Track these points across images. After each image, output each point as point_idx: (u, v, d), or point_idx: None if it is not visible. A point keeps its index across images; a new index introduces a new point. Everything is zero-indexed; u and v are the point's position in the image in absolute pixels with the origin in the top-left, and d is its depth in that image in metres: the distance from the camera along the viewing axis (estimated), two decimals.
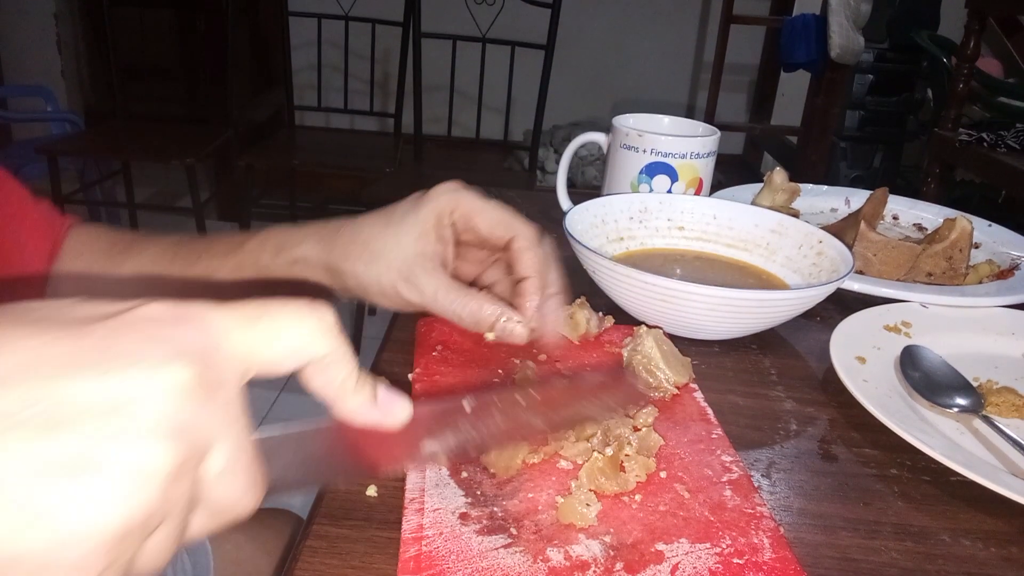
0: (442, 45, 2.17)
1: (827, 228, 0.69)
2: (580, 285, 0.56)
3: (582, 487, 0.38)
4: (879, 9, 2.45)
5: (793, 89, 2.99)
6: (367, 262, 0.45)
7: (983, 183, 2.35)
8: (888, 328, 0.59)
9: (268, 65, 3.35)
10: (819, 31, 2.47)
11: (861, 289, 0.65)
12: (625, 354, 0.50)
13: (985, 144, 1.77)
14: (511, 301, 0.46)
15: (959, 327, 0.61)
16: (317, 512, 0.38)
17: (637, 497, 0.38)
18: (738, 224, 0.69)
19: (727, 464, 0.42)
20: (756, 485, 0.41)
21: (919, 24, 2.45)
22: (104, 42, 2.36)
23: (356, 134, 2.96)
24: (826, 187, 0.92)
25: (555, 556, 0.34)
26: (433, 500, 0.37)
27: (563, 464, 0.41)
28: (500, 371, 0.49)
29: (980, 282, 0.71)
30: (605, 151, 0.78)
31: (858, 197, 0.90)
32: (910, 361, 0.54)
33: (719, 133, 0.77)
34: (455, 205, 0.45)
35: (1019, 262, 0.74)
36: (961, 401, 0.50)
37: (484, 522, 0.36)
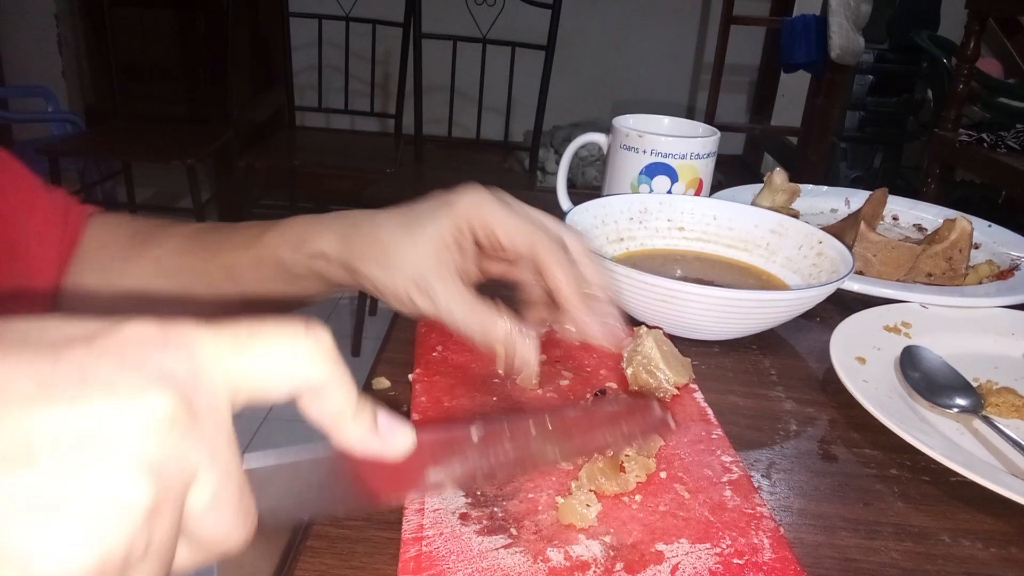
0: (442, 46, 2.17)
1: (827, 228, 0.69)
2: None
3: (582, 487, 0.38)
4: (879, 9, 2.45)
5: (793, 90, 2.99)
6: (383, 266, 0.44)
7: (983, 183, 2.35)
8: (888, 328, 0.59)
9: (268, 65, 3.35)
10: (819, 32, 2.47)
11: (861, 289, 0.65)
12: (625, 354, 0.50)
13: (985, 144, 1.77)
14: (546, 300, 0.44)
15: (959, 327, 0.61)
16: None
17: (637, 497, 0.39)
18: (738, 224, 0.69)
19: (727, 464, 0.42)
20: (756, 485, 0.41)
21: (919, 24, 2.45)
22: (104, 42, 2.36)
23: (356, 135, 2.96)
24: (826, 188, 0.92)
25: (555, 556, 0.34)
26: (433, 500, 0.37)
27: (563, 464, 0.41)
28: (501, 371, 0.49)
29: (980, 282, 0.71)
30: (605, 152, 0.78)
31: (858, 197, 0.90)
32: (910, 361, 0.54)
33: (719, 134, 0.77)
34: (475, 214, 0.43)
35: (1019, 262, 0.74)
36: (961, 401, 0.50)
37: (484, 522, 0.36)
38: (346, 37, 2.30)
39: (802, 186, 0.86)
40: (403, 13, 2.27)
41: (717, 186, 0.82)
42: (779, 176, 0.82)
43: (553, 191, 0.81)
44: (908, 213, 0.89)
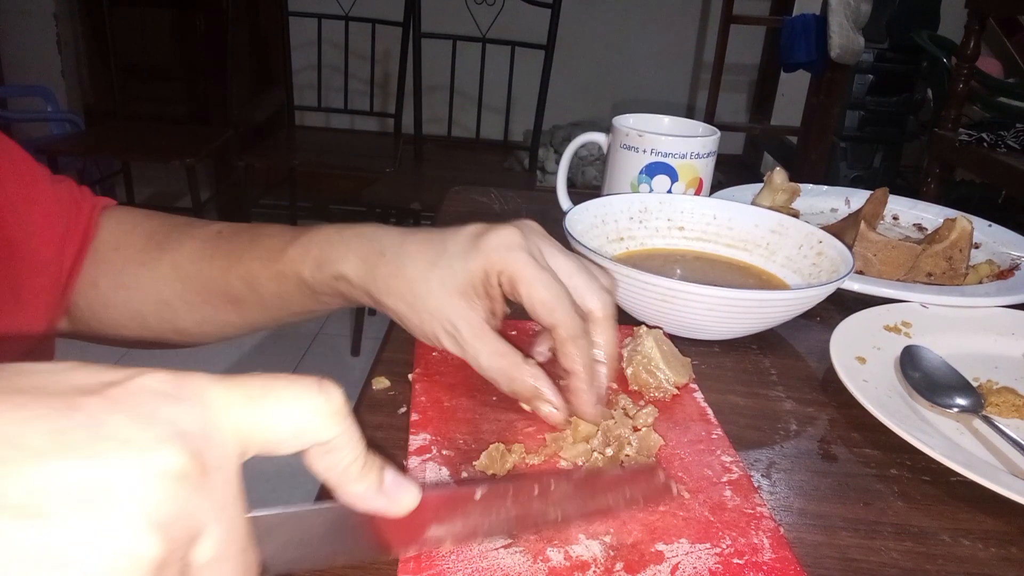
0: (442, 45, 2.17)
1: (827, 228, 0.69)
2: None
3: None
4: (879, 9, 2.45)
5: (793, 89, 2.99)
6: (410, 304, 0.43)
7: (983, 183, 2.36)
8: (888, 328, 0.59)
9: (268, 65, 3.35)
10: (819, 31, 2.47)
11: (861, 289, 0.65)
12: (625, 354, 0.50)
13: (985, 144, 1.77)
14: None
15: (959, 327, 0.61)
16: None
17: None
18: (738, 224, 0.69)
19: (727, 464, 0.42)
20: (756, 485, 0.41)
21: (919, 24, 2.45)
22: (104, 42, 2.36)
23: (356, 134, 2.96)
24: (826, 187, 0.92)
25: (555, 556, 0.34)
26: None
27: (563, 464, 0.41)
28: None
29: (980, 282, 0.71)
30: (605, 151, 0.78)
31: (858, 197, 0.90)
32: (910, 361, 0.54)
33: (719, 133, 0.77)
34: (503, 264, 0.41)
35: (1019, 262, 0.74)
36: (961, 401, 0.50)
37: None
38: (346, 36, 2.30)
39: (802, 186, 0.86)
40: (403, 12, 2.28)
41: (717, 186, 0.82)
42: (779, 176, 0.82)
43: (553, 191, 0.81)
44: (908, 213, 0.89)
